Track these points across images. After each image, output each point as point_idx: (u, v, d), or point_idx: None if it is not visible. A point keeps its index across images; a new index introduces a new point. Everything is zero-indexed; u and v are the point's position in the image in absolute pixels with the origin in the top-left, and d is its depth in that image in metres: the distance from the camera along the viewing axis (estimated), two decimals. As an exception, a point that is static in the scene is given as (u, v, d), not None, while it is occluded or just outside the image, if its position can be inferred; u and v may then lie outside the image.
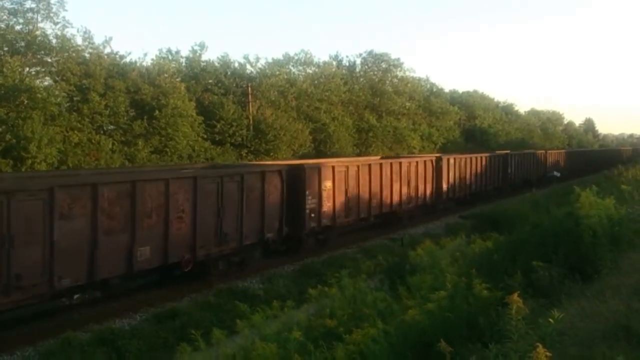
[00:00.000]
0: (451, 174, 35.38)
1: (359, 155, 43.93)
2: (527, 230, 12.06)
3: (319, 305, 9.80)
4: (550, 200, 26.61)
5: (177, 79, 35.94)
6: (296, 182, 22.02)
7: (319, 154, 41.87)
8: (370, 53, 58.69)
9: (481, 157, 41.31)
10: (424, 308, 7.87)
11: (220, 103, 37.18)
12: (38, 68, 30.20)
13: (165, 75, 34.90)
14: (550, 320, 6.03)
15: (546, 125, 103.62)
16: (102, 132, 30.72)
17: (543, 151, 59.76)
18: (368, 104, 53.52)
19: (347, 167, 25.19)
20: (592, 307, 7.46)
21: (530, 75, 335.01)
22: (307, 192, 22.22)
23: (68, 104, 29.74)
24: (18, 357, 12.93)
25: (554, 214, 12.42)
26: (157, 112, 31.87)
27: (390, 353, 7.11)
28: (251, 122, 38.92)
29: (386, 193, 28.09)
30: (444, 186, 34.29)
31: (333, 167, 24.12)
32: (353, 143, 47.92)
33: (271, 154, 38.28)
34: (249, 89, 40.56)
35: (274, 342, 7.42)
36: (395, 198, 29.02)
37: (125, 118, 31.21)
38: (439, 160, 34.22)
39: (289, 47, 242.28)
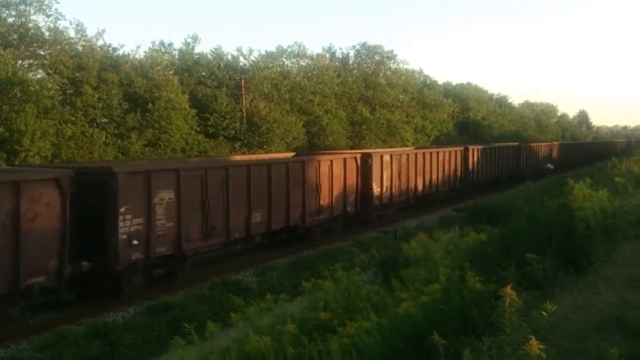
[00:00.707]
0: (386, 174, 28.92)
1: (352, 148, 43.87)
2: (520, 222, 12.10)
3: (313, 298, 9.79)
4: (544, 192, 26.63)
5: (170, 72, 35.85)
6: (100, 195, 15.47)
7: (313, 146, 41.85)
8: (363, 45, 58.54)
9: (432, 153, 35.12)
10: (417, 301, 7.87)
11: (214, 96, 37.11)
12: (31, 61, 30.12)
13: (158, 67, 34.81)
14: (544, 312, 6.04)
15: (540, 118, 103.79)
16: (95, 125, 30.65)
17: (516, 144, 53.42)
18: (361, 97, 53.43)
19: (205, 171, 18.51)
20: (585, 299, 7.49)
21: (524, 67, 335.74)
22: (121, 209, 15.44)
23: (61, 97, 29.71)
24: (12, 351, 12.94)
25: (547, 207, 12.45)
26: (150, 105, 31.81)
27: (384, 346, 7.12)
28: (244, 114, 38.85)
29: (278, 204, 21.63)
30: (375, 190, 28.13)
31: (178, 171, 17.41)
32: (346, 136, 47.90)
33: (265, 146, 38.22)
34: (242, 81, 40.49)
35: (268, 335, 7.41)
36: (295, 210, 22.59)
37: (119, 111, 31.14)
38: (366, 157, 27.79)
39: (282, 39, 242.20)
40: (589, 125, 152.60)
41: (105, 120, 31.12)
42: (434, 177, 34.91)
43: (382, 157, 28.91)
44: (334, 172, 24.96)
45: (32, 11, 30.02)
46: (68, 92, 29.93)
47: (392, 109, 55.31)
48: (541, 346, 4.78)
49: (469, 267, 8.59)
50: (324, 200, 24.46)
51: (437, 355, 5.95)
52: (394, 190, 29.99)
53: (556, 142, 71.01)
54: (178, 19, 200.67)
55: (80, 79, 29.65)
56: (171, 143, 32.73)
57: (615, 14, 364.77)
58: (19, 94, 25.66)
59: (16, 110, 24.95)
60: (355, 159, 26.94)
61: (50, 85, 27.73)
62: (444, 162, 36.37)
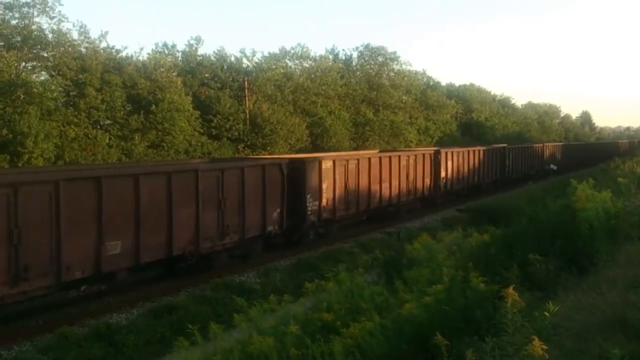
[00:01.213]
0: (327, 184, 24.18)
1: (355, 149, 43.80)
2: (523, 223, 12.10)
3: (316, 299, 9.81)
4: (547, 193, 26.60)
5: (174, 74, 35.82)
6: None
7: (316, 148, 41.82)
8: (366, 47, 58.54)
9: (391, 158, 30.13)
10: (420, 302, 7.88)
11: (217, 97, 37.10)
12: (34, 63, 30.11)
13: (162, 69, 34.81)
14: (546, 313, 6.05)
15: (543, 119, 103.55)
16: (98, 126, 30.66)
17: (502, 146, 48.54)
18: (365, 98, 53.41)
19: (15, 189, 13.03)
20: (588, 299, 7.48)
21: (527, 68, 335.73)
22: None
23: (64, 99, 29.69)
24: (15, 352, 12.95)
25: (550, 207, 12.45)
26: (153, 106, 31.81)
27: (387, 346, 7.13)
28: (248, 116, 38.84)
29: (153, 227, 16.35)
30: (312, 204, 23.27)
31: None
32: (350, 137, 47.86)
33: (268, 148, 38.22)
34: (246, 83, 40.48)
35: (271, 336, 7.44)
36: (183, 233, 17.35)
37: (122, 113, 31.14)
38: (298, 164, 23.08)
39: (285, 41, 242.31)
40: (592, 126, 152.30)
41: (108, 122, 31.15)
42: (396, 185, 30.16)
43: (320, 163, 24.02)
44: (246, 183, 19.90)
45: (36, 13, 29.99)
46: (71, 93, 29.94)
47: (395, 110, 55.28)
48: (544, 347, 4.80)
49: (472, 267, 8.62)
50: (232, 219, 19.32)
51: (440, 356, 5.96)
52: (338, 203, 25.12)
53: (550, 144, 67.72)
54: (181, 21, 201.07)
55: (84, 80, 29.66)
56: (174, 144, 32.73)
57: (619, 15, 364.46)
58: (22, 96, 25.68)
59: (19, 112, 24.97)
60: (280, 166, 21.94)
61: (53, 87, 27.71)
62: (408, 167, 31.49)
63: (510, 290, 6.02)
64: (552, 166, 58.56)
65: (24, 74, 26.68)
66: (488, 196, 37.50)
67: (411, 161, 32.10)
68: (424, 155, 33.83)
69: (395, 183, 30.02)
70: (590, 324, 6.48)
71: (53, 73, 29.66)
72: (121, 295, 16.63)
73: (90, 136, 29.05)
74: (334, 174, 24.62)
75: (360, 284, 9.65)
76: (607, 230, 10.91)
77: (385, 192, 29.20)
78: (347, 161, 26.25)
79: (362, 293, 9.30)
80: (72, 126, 28.50)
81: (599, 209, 11.10)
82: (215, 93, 37.55)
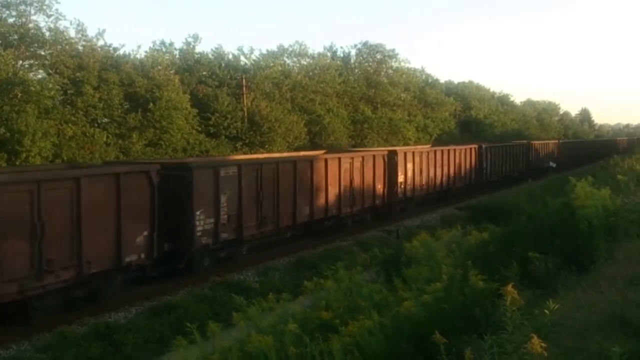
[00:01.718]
0: (229, 196, 19.36)
1: (354, 147, 43.74)
2: (523, 221, 12.07)
3: (315, 297, 9.80)
4: (546, 191, 26.57)
5: (171, 72, 35.83)
6: None
7: (315, 146, 41.79)
8: (365, 44, 58.49)
9: (328, 161, 25.06)
10: (419, 300, 7.86)
11: (215, 95, 37.08)
12: (31, 61, 30.11)
13: (159, 67, 34.79)
14: (546, 311, 6.03)
15: (542, 116, 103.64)
16: (96, 125, 30.65)
17: (478, 145, 43.77)
18: (363, 96, 53.36)
19: None
20: (587, 297, 7.46)
21: (526, 65, 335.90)
22: None
23: (62, 97, 29.69)
24: (14, 352, 12.94)
25: (549, 205, 12.43)
26: (151, 104, 31.79)
27: (386, 345, 7.12)
28: (246, 114, 38.83)
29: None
30: (204, 223, 18.51)
31: None
32: (348, 135, 47.85)
33: (266, 146, 38.21)
34: (244, 80, 40.44)
35: (270, 335, 7.42)
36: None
37: (120, 111, 31.12)
38: (182, 171, 18.42)
39: (284, 38, 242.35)
40: (591, 124, 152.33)
41: (106, 120, 31.12)
42: (334, 194, 25.18)
43: (218, 170, 19.18)
44: (84, 200, 14.57)
45: (33, 11, 29.99)
46: (69, 92, 29.92)
47: (393, 108, 55.23)
48: (543, 344, 4.77)
49: (471, 265, 8.59)
50: (58, 251, 14.11)
51: (438, 354, 5.94)
52: (247, 219, 20.42)
53: (538, 142, 62.52)
54: (179, 19, 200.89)
55: (81, 79, 29.63)
56: (172, 143, 32.71)
57: (618, 12, 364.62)
58: (19, 95, 25.65)
59: (17, 110, 24.94)
60: (147, 174, 16.62)
61: (50, 86, 27.69)
62: (352, 172, 26.43)
63: (509, 288, 6.00)
64: (551, 163, 58.46)
65: (21, 72, 26.67)
66: (459, 202, 34.37)
67: (356, 164, 26.84)
68: (374, 157, 28.63)
69: (333, 191, 25.09)
70: (590, 322, 6.46)
71: (50, 71, 29.66)
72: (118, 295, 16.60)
73: (87, 134, 29.05)
74: (239, 183, 19.86)
75: (359, 283, 9.64)
76: (606, 227, 10.88)
77: (319, 202, 24.18)
78: (261, 166, 21.22)
79: (361, 291, 9.29)
80: (70, 124, 28.49)
81: (598, 207, 11.07)
82: (213, 91, 37.53)
